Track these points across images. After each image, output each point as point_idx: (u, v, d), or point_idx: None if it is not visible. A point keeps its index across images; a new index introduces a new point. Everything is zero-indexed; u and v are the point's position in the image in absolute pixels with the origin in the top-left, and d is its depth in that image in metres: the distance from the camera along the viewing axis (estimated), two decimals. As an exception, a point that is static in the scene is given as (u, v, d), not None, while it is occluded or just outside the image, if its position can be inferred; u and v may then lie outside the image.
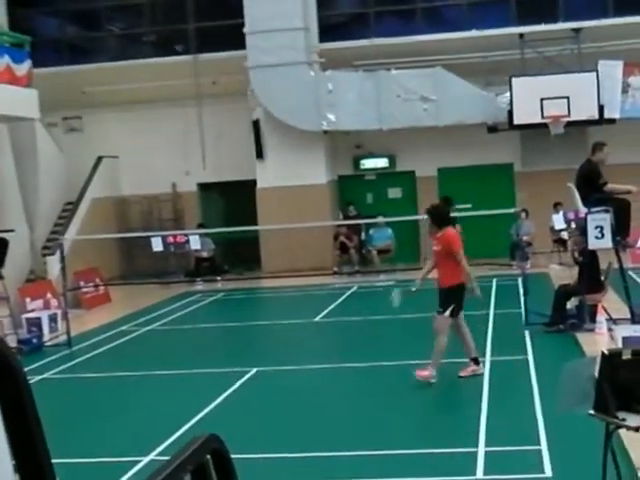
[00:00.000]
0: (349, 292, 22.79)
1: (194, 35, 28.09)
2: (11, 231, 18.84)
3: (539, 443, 9.22)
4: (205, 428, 10.36)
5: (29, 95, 23.43)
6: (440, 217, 12.88)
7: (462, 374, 12.46)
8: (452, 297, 12.34)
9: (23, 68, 23.43)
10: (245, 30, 26.30)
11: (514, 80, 24.80)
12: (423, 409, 11.31)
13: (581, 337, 14.50)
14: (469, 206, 26.66)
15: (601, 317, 14.88)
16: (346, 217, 26.78)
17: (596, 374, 6.35)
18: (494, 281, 22.10)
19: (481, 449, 9.20)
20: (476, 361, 12.56)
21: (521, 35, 25.56)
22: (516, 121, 24.96)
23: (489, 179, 27.62)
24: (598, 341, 13.99)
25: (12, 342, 17.26)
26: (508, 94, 25.08)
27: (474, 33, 26.02)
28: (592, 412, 6.45)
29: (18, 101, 22.95)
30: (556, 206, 23.19)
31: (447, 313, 12.27)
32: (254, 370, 13.88)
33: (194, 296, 24.00)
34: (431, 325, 17.83)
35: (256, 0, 26.08)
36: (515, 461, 8.89)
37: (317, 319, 19.00)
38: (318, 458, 9.52)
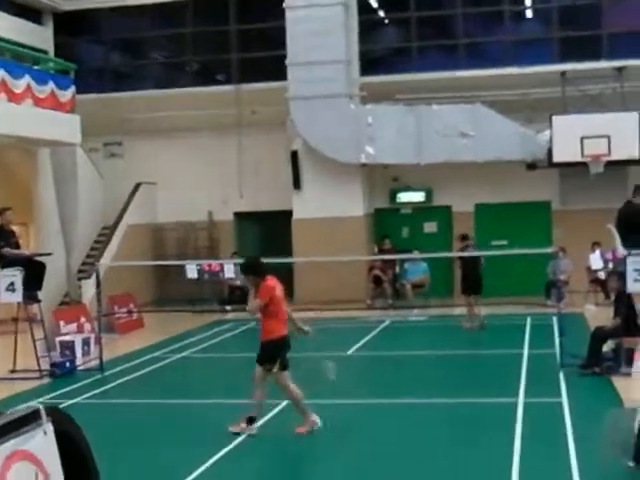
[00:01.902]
0: (382, 326, 22.68)
1: (236, 65, 28.25)
2: (49, 254, 18.93)
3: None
4: (235, 460, 10.38)
5: (72, 121, 23.64)
6: (253, 269, 12.34)
7: (232, 429, 12.02)
8: (272, 352, 12.05)
9: (67, 94, 23.66)
10: (287, 62, 26.42)
11: (554, 118, 24.70)
12: (451, 449, 11.15)
13: (617, 381, 14.30)
14: (505, 243, 26.61)
15: (638, 362, 14.68)
16: (381, 250, 26.69)
17: (636, 426, 6.26)
18: (528, 320, 21.93)
19: (513, 493, 9.07)
20: (251, 421, 12.11)
21: (563, 73, 25.50)
22: (555, 159, 24.83)
23: (526, 216, 27.48)
24: (634, 386, 13.79)
25: (45, 365, 17.34)
26: (548, 132, 24.97)
27: (515, 70, 26.00)
28: (631, 464, 6.35)
29: (61, 126, 23.17)
30: (594, 246, 23.03)
31: (275, 369, 11.97)
32: (284, 403, 13.80)
33: (226, 324, 23.98)
34: (468, 362, 17.80)
35: (299, 32, 26.19)
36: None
37: (349, 352, 18.90)
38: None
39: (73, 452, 2.18)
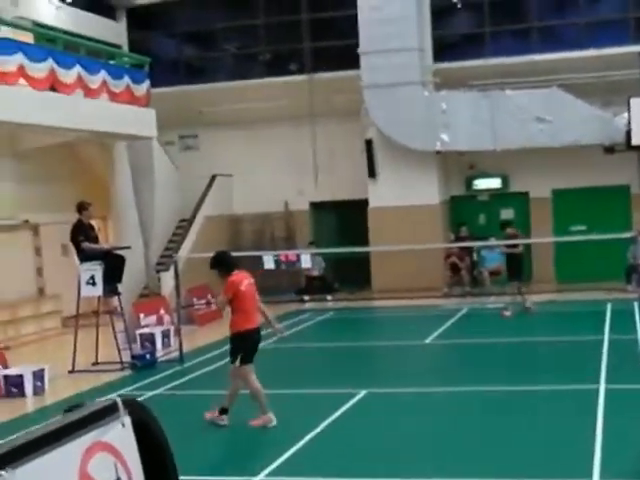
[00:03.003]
0: (460, 314, 22.57)
1: (309, 54, 28.29)
2: (128, 248, 19.16)
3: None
4: (315, 449, 10.43)
5: (147, 114, 23.88)
6: (219, 264, 12.52)
7: (208, 416, 12.35)
8: (237, 345, 12.21)
9: (142, 88, 23.90)
10: (359, 50, 26.37)
11: (633, 100, 24.24)
12: (533, 435, 11.04)
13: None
14: (584, 228, 26.29)
15: None
16: (458, 238, 26.54)
17: None
18: (608, 305, 21.65)
19: (595, 481, 8.97)
20: (224, 411, 12.26)
21: (640, 54, 25.08)
22: (634, 142, 24.39)
23: (605, 201, 27.08)
24: None
25: (126, 357, 17.58)
26: (626, 114, 24.56)
27: (591, 52, 25.62)
28: None
29: (137, 120, 23.42)
30: (675, 229, 22.65)
31: (237, 362, 12.11)
32: (364, 392, 13.82)
33: (304, 314, 24.09)
34: (545, 351, 17.65)
35: (371, 20, 26.13)
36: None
37: (428, 341, 18.85)
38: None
39: (150, 443, 2.24)
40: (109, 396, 9.96)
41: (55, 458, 2.43)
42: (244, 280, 12.31)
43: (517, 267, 21.74)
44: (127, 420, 2.50)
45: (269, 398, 12.21)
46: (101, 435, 2.45)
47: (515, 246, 21.70)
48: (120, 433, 2.46)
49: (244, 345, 12.24)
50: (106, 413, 2.45)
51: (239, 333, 12.25)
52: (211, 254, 13.31)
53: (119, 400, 2.59)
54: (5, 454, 2.27)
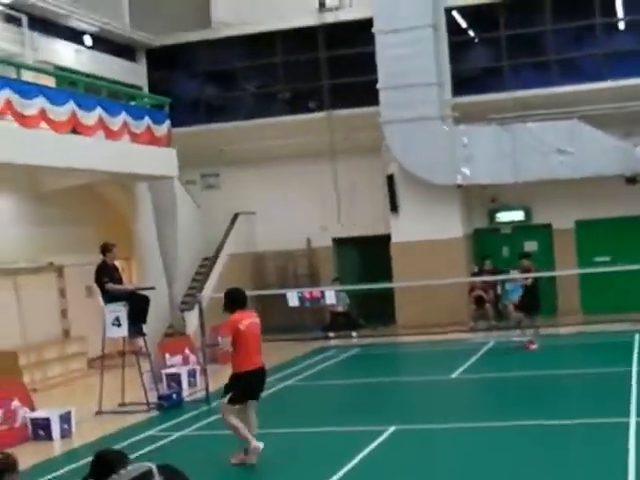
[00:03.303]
0: (486, 348, 22.45)
1: (328, 92, 28.40)
2: (152, 288, 19.16)
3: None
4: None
5: (168, 154, 23.97)
6: (225, 302, 12.41)
7: (234, 461, 12.24)
8: (231, 384, 12.22)
9: (162, 128, 24.00)
10: (378, 86, 26.44)
11: (653, 131, 24.25)
12: (563, 472, 10.90)
13: None
14: (608, 259, 26.18)
15: None
16: (482, 271, 26.44)
17: None
18: (636, 336, 21.50)
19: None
20: (246, 451, 12.15)
21: (659, 84, 25.06)
22: (656, 172, 24.36)
23: (628, 231, 26.95)
24: None
25: (152, 397, 17.54)
26: (647, 144, 24.54)
27: (610, 83, 25.62)
28: None
29: (158, 160, 23.50)
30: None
31: (225, 399, 12.15)
32: (392, 428, 13.73)
33: (330, 351, 24.00)
34: (572, 384, 17.49)
35: (389, 56, 26.22)
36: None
37: (454, 375, 18.74)
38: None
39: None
40: (137, 437, 9.86)
41: None
42: (245, 319, 12.18)
43: (531, 300, 21.67)
44: (162, 486, 2.44)
45: (296, 437, 12.14)
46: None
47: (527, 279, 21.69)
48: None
49: (238, 385, 12.21)
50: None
51: (237, 374, 12.24)
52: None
53: (154, 467, 2.55)
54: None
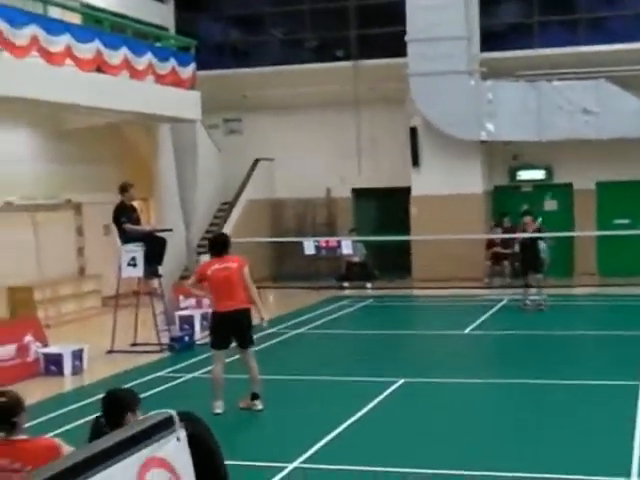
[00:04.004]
0: (500, 304, 22.45)
1: (355, 41, 28.18)
2: (170, 230, 19.23)
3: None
4: (351, 438, 10.43)
5: (192, 97, 23.85)
6: (208, 248, 13.00)
7: (241, 405, 12.54)
8: (209, 325, 12.74)
9: (187, 71, 23.85)
10: (406, 38, 26.23)
11: (681, 94, 24.01)
12: (570, 433, 10.95)
13: None
14: (627, 222, 26.08)
15: None
16: (501, 228, 26.38)
17: None
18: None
19: (634, 480, 8.90)
20: (255, 397, 12.42)
21: (689, 46, 24.77)
22: (682, 136, 24.16)
23: (650, 195, 26.83)
24: None
25: (164, 339, 17.66)
26: (674, 108, 24.30)
27: (639, 44, 25.31)
28: None
29: (181, 103, 23.39)
30: None
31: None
32: (401, 381, 13.80)
33: (344, 301, 24.05)
34: (585, 345, 17.51)
35: (419, 8, 25.96)
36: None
37: (467, 331, 18.78)
38: (466, 477, 9.25)
39: (203, 455, 2.23)
40: (147, 377, 9.92)
41: (113, 475, 2.43)
42: (214, 265, 12.51)
43: (528, 258, 21.58)
44: (182, 434, 2.47)
45: (308, 384, 12.20)
46: (156, 450, 2.43)
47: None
48: (175, 448, 2.44)
49: (213, 327, 12.67)
50: (161, 427, 2.44)
51: (212, 313, 12.76)
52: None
53: (174, 414, 2.57)
54: (65, 470, 2.28)
